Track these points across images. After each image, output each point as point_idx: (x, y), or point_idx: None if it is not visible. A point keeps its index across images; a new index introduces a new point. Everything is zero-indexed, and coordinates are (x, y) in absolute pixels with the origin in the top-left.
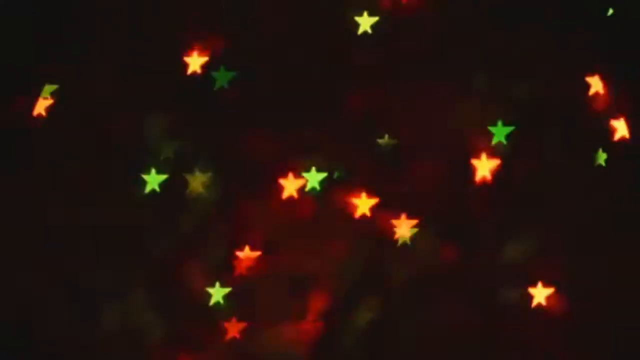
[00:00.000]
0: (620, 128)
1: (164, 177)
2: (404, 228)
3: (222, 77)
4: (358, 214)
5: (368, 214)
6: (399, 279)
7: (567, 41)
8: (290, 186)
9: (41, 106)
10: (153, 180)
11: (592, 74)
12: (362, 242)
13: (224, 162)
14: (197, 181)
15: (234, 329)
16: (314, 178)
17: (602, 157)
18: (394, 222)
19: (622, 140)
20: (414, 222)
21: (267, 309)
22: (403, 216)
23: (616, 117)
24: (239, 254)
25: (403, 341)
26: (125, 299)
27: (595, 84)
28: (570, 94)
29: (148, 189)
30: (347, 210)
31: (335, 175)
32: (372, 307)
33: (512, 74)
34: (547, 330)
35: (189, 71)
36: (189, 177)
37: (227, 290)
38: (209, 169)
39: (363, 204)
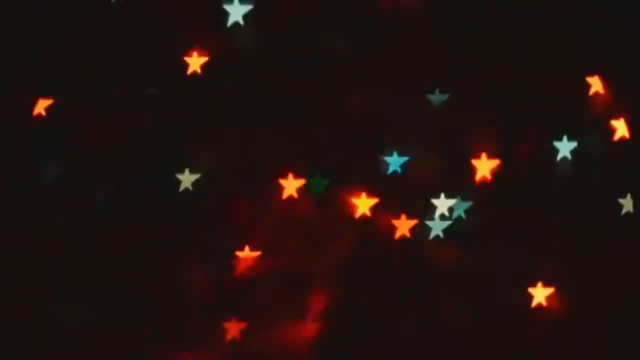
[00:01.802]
0: (621, 128)
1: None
2: (404, 228)
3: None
4: (358, 214)
5: (368, 214)
6: (398, 278)
7: (568, 41)
8: (290, 186)
9: (41, 106)
10: (187, 179)
11: (592, 74)
12: (362, 242)
13: (223, 162)
14: (188, 180)
15: (234, 329)
16: (317, 182)
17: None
18: (394, 222)
19: (622, 140)
20: (414, 222)
21: (267, 309)
22: (403, 216)
23: (616, 117)
24: (239, 254)
25: (404, 341)
26: (125, 298)
27: (595, 84)
28: (571, 94)
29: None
30: (347, 210)
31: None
32: (372, 307)
33: (512, 74)
34: (547, 330)
35: (189, 71)
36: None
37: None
38: (205, 168)
39: (363, 204)
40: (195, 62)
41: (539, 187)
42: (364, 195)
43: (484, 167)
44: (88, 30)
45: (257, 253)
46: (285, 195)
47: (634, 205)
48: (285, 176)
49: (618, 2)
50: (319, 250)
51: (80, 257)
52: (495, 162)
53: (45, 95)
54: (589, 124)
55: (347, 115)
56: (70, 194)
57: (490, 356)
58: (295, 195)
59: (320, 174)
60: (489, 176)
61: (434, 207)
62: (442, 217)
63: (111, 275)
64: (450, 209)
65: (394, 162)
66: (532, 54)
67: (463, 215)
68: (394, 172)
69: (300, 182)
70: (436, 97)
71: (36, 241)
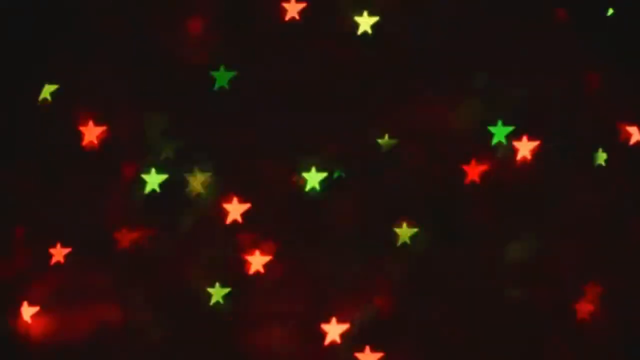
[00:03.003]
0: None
1: (164, 177)
2: (404, 228)
3: (222, 77)
4: (358, 213)
5: (367, 214)
6: (399, 278)
7: (568, 41)
8: (290, 185)
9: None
10: (153, 180)
11: (592, 74)
12: (362, 242)
13: (223, 162)
14: (197, 181)
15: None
16: (313, 178)
17: (602, 157)
18: (394, 222)
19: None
20: (414, 222)
21: (268, 309)
22: (403, 217)
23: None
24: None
25: (403, 340)
26: (125, 298)
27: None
28: (571, 94)
29: (148, 189)
30: (346, 210)
31: (335, 175)
32: (373, 307)
33: (512, 74)
34: (550, 330)
35: (189, 71)
36: (188, 176)
37: (226, 290)
38: (209, 169)
39: (362, 204)
40: (195, 62)
41: (539, 187)
42: (362, 195)
43: (480, 167)
44: (87, 30)
45: (257, 253)
46: (285, 194)
47: (634, 205)
48: (285, 175)
49: (618, 2)
50: (319, 249)
51: (80, 257)
52: (493, 163)
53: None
54: (589, 124)
55: (347, 114)
56: (70, 194)
57: (490, 356)
58: (294, 194)
59: (319, 171)
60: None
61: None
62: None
63: (110, 275)
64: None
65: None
66: (532, 54)
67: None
68: (391, 170)
69: (300, 180)
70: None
71: (36, 241)
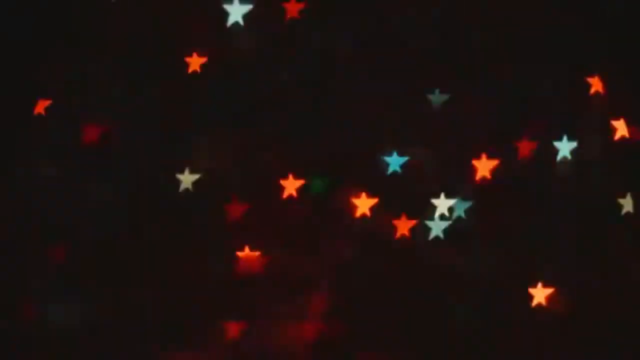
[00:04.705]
0: (620, 128)
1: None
2: (404, 228)
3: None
4: (358, 214)
5: (368, 214)
6: (399, 278)
7: (568, 41)
8: (290, 186)
9: (41, 106)
10: (187, 179)
11: (592, 74)
12: (362, 242)
13: (223, 162)
14: (188, 180)
15: (234, 329)
16: (317, 182)
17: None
18: (395, 222)
19: (622, 139)
20: (414, 222)
21: (267, 309)
22: (403, 216)
23: (616, 118)
24: (239, 254)
25: (403, 340)
26: (125, 297)
27: (595, 84)
28: (571, 94)
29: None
30: (347, 210)
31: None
32: (373, 306)
33: (512, 73)
34: (548, 330)
35: (189, 71)
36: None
37: None
38: (205, 168)
39: (363, 204)
40: (195, 62)
41: (539, 187)
42: (364, 195)
43: (484, 167)
44: (87, 29)
45: (257, 253)
46: (285, 195)
47: (634, 205)
48: (285, 176)
49: (618, 2)
50: (319, 250)
51: (79, 257)
52: (494, 162)
53: (45, 95)
54: (589, 124)
55: (348, 115)
56: (70, 195)
57: (491, 356)
58: (295, 195)
59: (320, 173)
60: (488, 176)
61: (434, 207)
62: (442, 217)
63: (110, 276)
64: (450, 209)
65: (394, 162)
66: (532, 54)
67: (463, 215)
68: (394, 172)
69: (300, 182)
70: (436, 97)
71: (37, 241)
